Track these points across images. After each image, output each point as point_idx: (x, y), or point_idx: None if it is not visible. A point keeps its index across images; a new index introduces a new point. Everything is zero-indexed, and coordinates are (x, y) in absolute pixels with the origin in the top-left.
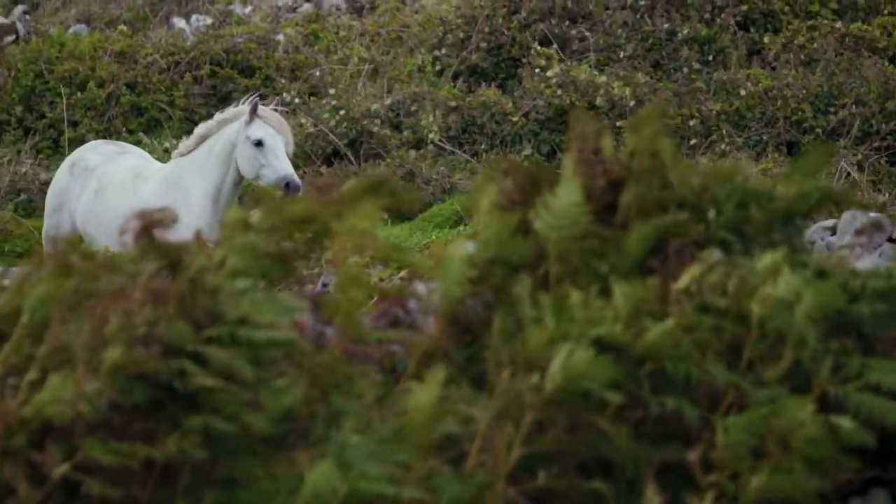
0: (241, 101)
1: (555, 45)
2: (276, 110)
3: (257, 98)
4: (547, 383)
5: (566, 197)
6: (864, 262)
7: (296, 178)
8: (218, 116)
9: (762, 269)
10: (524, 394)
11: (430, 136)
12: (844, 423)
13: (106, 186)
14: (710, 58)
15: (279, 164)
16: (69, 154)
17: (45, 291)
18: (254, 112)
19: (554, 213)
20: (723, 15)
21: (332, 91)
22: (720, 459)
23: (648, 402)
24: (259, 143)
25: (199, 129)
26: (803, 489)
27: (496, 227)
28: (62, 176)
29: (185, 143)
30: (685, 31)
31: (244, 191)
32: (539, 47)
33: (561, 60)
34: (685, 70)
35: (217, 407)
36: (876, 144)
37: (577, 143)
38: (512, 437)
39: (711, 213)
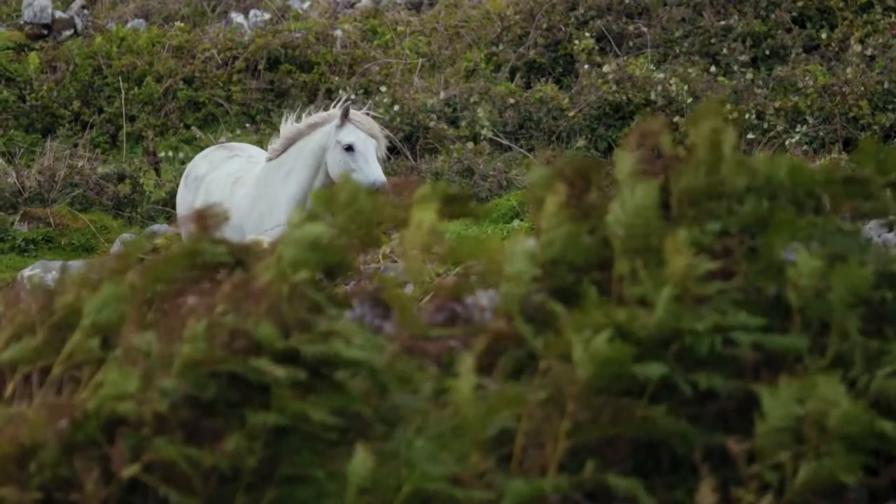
0: (333, 104)
1: (605, 42)
2: (367, 114)
3: (350, 102)
4: (579, 371)
5: (642, 197)
6: None
7: (387, 183)
8: (308, 120)
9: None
10: (563, 384)
11: (483, 131)
12: (888, 427)
13: (211, 194)
14: (767, 53)
15: (370, 168)
16: (126, 148)
17: (108, 292)
18: (345, 116)
19: (627, 211)
20: (777, 10)
21: (383, 88)
22: (761, 448)
23: (678, 382)
24: (350, 148)
25: (287, 132)
26: (846, 473)
27: (564, 229)
28: (180, 187)
29: (273, 146)
30: (741, 27)
31: None
32: (585, 39)
33: (616, 56)
34: (738, 66)
35: (283, 404)
36: None
37: (638, 140)
38: (557, 429)
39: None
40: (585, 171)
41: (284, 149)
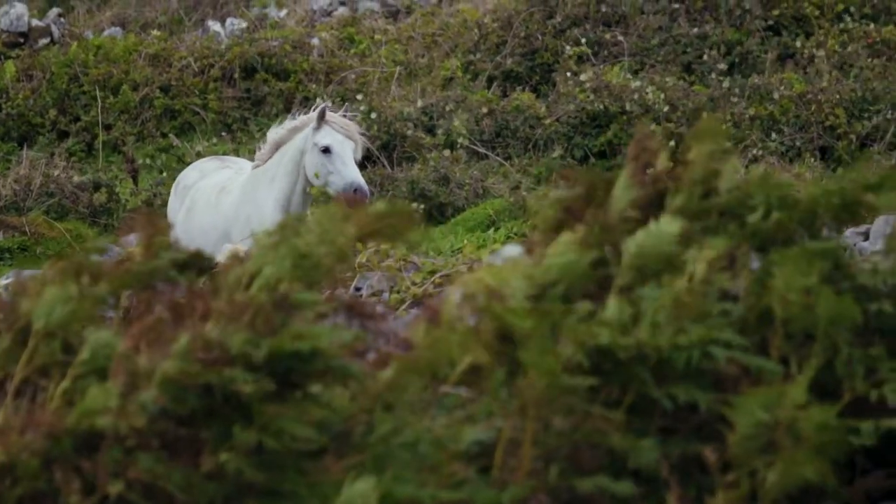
0: (313, 107)
1: (584, 49)
2: (345, 116)
3: (326, 104)
4: (537, 381)
5: (666, 226)
6: None
7: (364, 184)
8: (288, 124)
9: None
10: (525, 394)
11: (460, 139)
12: (865, 426)
13: (196, 202)
14: (738, 60)
15: (347, 170)
16: (102, 157)
17: (54, 295)
18: (322, 118)
19: (647, 239)
20: (749, 18)
21: (359, 97)
22: (735, 456)
23: (657, 396)
24: (327, 150)
25: (272, 136)
26: (817, 478)
27: (569, 258)
28: (171, 196)
29: (261, 152)
30: (715, 36)
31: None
32: (572, 48)
33: (593, 65)
34: (715, 74)
35: (266, 421)
36: None
37: (634, 155)
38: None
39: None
40: (589, 183)
41: (271, 154)
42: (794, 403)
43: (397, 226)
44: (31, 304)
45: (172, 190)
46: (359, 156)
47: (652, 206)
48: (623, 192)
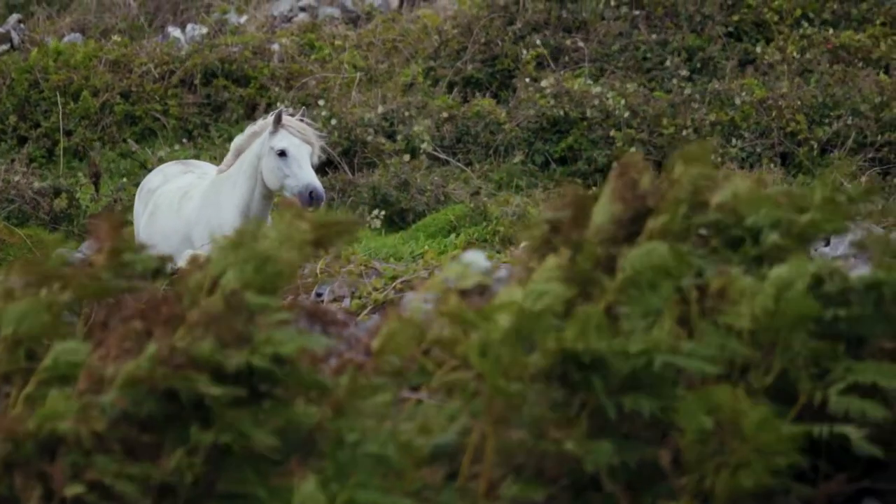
0: (271, 113)
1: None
2: (302, 120)
3: (282, 108)
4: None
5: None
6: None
7: (320, 187)
8: (248, 129)
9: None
10: (488, 405)
11: (423, 145)
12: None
13: (159, 206)
14: (699, 65)
15: (302, 173)
16: (63, 163)
17: (26, 305)
18: (278, 122)
19: (642, 256)
20: (711, 24)
21: (321, 102)
22: (686, 462)
23: (605, 403)
24: (283, 153)
25: (235, 142)
26: (762, 479)
27: (555, 287)
28: (136, 200)
29: (226, 159)
30: (676, 42)
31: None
32: (535, 48)
33: (553, 71)
34: (676, 80)
35: (226, 423)
36: (870, 156)
37: (618, 174)
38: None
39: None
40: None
41: (234, 161)
42: (732, 404)
43: (339, 234)
44: None
45: (137, 194)
46: (316, 160)
47: (635, 224)
48: (604, 210)
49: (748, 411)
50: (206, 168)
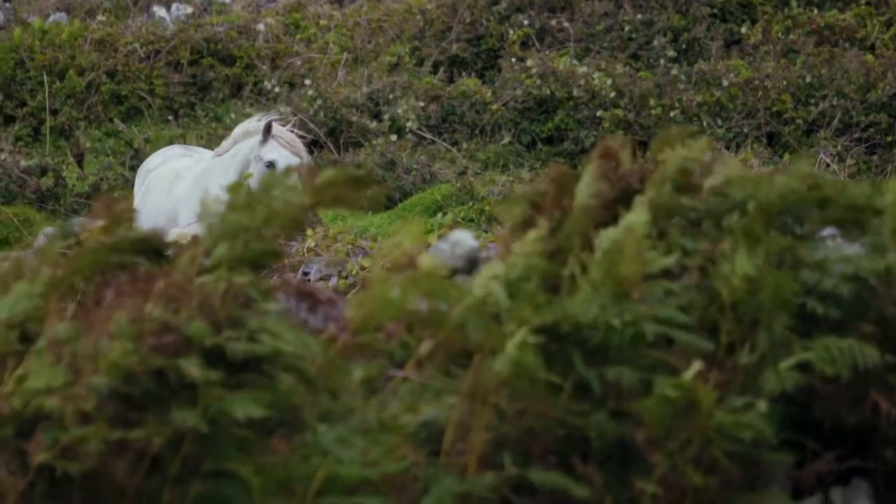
0: (260, 118)
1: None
2: (292, 132)
3: (273, 118)
4: (498, 366)
5: (634, 217)
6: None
7: None
8: (243, 126)
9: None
10: (487, 379)
11: (409, 124)
12: (761, 404)
13: (151, 186)
14: (684, 46)
15: None
16: (49, 142)
17: (21, 290)
18: (268, 132)
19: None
20: (696, 4)
21: (307, 81)
22: (654, 437)
23: (588, 376)
24: (271, 165)
25: (236, 130)
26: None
27: (534, 261)
28: (136, 179)
29: (223, 143)
30: (661, 22)
31: None
32: (515, 31)
33: (538, 51)
34: (662, 61)
35: (209, 402)
36: (856, 136)
37: (600, 154)
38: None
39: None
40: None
41: (230, 148)
42: (688, 380)
43: (348, 192)
44: None
45: (138, 173)
46: None
47: (619, 205)
48: (587, 187)
49: (705, 388)
50: (204, 154)
